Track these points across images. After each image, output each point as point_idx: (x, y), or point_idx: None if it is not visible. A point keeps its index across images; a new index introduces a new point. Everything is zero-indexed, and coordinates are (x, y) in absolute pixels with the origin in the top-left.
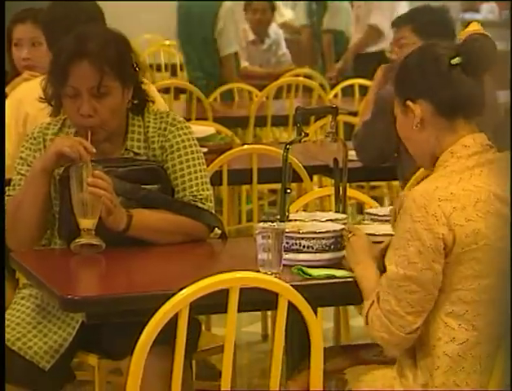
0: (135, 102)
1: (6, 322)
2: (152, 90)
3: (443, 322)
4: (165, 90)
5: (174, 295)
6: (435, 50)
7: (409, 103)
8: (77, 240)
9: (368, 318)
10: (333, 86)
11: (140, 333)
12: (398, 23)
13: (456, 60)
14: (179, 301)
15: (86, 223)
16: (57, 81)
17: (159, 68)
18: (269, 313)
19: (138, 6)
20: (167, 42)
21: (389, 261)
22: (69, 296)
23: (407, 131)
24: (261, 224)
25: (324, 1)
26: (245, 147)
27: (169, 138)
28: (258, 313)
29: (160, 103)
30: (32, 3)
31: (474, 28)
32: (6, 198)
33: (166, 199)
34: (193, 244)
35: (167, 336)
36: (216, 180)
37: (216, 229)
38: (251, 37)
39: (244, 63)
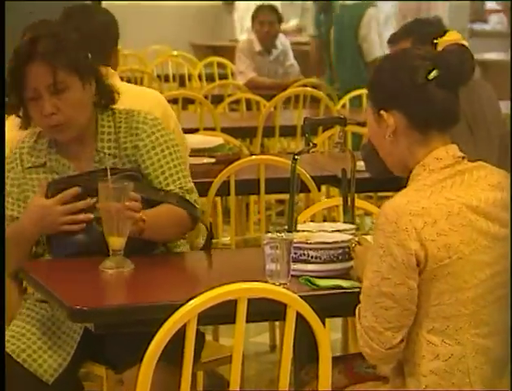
0: (101, 98)
1: (12, 333)
2: (162, 99)
3: (426, 340)
4: (173, 101)
5: (182, 305)
6: (412, 60)
7: (383, 112)
8: (107, 265)
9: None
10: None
11: (148, 343)
12: (396, 38)
13: (432, 74)
14: (188, 312)
15: (116, 243)
16: (17, 87)
17: (167, 79)
18: (277, 323)
19: (147, 18)
20: (175, 53)
21: (364, 277)
22: (78, 307)
23: (379, 140)
24: (269, 234)
25: (333, 11)
26: (253, 157)
27: (143, 138)
28: (266, 323)
29: (171, 116)
30: (32, 4)
31: (452, 37)
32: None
33: (161, 191)
34: (201, 254)
35: (169, 351)
36: (224, 190)
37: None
38: (258, 48)
39: (251, 74)
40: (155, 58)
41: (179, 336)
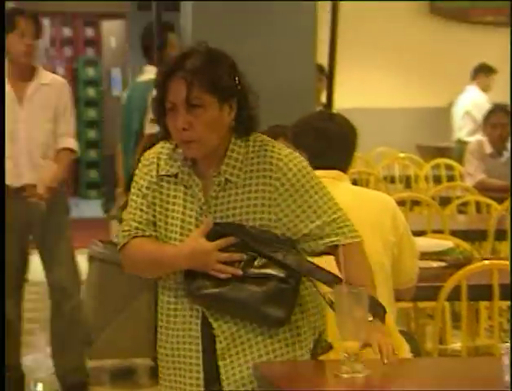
0: (240, 124)
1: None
2: (391, 202)
3: None
4: (400, 202)
5: None
6: None
7: None
8: (343, 370)
9: None
10: None
11: None
12: None
13: None
14: None
15: (351, 347)
16: (159, 98)
17: (393, 180)
18: None
19: (373, 121)
20: (402, 155)
21: None
22: None
23: None
24: (507, 344)
25: None
26: (487, 262)
27: (279, 176)
28: None
29: (400, 219)
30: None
31: None
32: (124, 222)
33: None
34: (431, 361)
35: None
36: (455, 295)
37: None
38: (489, 150)
39: (481, 176)
40: (381, 160)
41: None
